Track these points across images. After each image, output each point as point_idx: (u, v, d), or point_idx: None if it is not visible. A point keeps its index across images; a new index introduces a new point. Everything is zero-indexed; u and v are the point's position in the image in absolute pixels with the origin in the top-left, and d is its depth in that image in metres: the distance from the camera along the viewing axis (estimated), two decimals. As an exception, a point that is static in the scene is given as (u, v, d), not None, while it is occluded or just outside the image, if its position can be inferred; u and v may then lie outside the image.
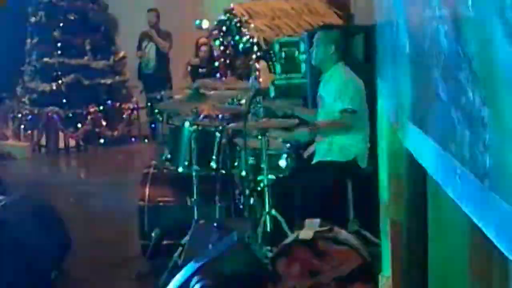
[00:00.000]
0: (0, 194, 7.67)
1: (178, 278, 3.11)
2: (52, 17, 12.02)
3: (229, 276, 2.98)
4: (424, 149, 2.44)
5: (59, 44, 11.91)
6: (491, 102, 1.60)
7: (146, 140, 12.23)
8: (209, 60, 11.74)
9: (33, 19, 12.18)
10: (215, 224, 4.00)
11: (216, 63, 11.51)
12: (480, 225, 1.71)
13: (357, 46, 5.93)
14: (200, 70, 11.60)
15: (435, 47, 2.19)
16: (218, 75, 11.22)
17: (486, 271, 1.89)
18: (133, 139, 12.41)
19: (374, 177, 5.15)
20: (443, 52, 2.09)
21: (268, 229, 4.90)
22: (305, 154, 5.50)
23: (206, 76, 10.77)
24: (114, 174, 9.89)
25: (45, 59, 11.94)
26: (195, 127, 5.35)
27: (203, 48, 11.73)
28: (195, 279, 2.97)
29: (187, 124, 5.45)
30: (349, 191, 5.26)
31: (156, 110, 11.22)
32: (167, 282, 4.18)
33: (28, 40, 12.28)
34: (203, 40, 11.82)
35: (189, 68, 11.77)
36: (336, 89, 5.15)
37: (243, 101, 6.96)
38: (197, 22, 11.71)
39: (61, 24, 11.95)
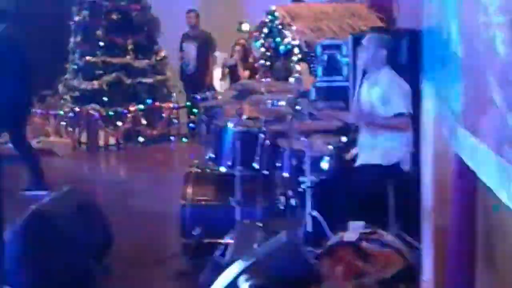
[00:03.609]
0: (44, 190, 7.82)
1: (226, 276, 3.14)
2: (96, 16, 12.15)
3: (278, 276, 3.01)
4: (476, 154, 2.44)
5: (101, 43, 12.03)
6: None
7: (185, 140, 12.32)
8: (244, 60, 11.79)
9: (76, 18, 12.33)
10: (260, 224, 4.04)
11: (257, 65, 11.56)
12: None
13: (402, 50, 5.92)
14: (237, 70, 11.65)
15: (491, 53, 2.20)
16: (257, 76, 11.27)
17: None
18: (172, 138, 12.51)
19: (417, 181, 5.15)
20: (499, 58, 2.09)
21: (309, 230, 4.93)
22: (348, 157, 5.51)
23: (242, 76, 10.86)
24: (154, 172, 9.98)
25: (88, 58, 12.06)
26: (238, 128, 5.40)
27: (237, 48, 11.78)
28: (243, 277, 3.00)
29: (230, 124, 5.50)
30: (390, 194, 5.26)
31: (196, 110, 11.36)
32: (209, 280, 4.21)
33: (72, 39, 12.42)
34: (240, 41, 11.89)
35: (226, 69, 11.83)
36: (384, 93, 5.14)
37: (282, 103, 6.98)
38: (237, 25, 11.81)
39: (104, 24, 12.08)
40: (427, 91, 4.65)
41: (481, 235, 2.70)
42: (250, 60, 11.88)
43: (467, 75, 2.68)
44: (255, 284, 2.95)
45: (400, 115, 5.04)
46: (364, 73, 5.50)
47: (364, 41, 5.36)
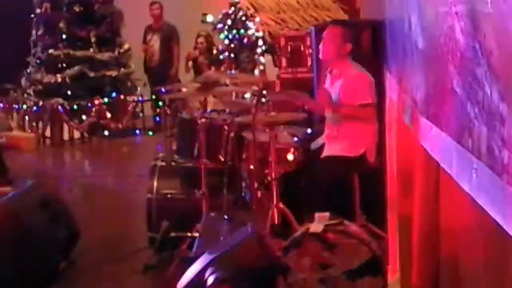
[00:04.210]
0: (7, 185, 7.74)
1: (192, 269, 3.14)
2: (58, 9, 12.05)
3: (244, 268, 3.01)
4: (438, 143, 2.47)
5: (64, 36, 11.93)
6: (509, 97, 1.62)
7: (150, 133, 12.28)
8: (207, 52, 11.75)
9: (38, 11, 12.21)
10: (225, 217, 4.03)
11: (221, 57, 11.53)
12: (497, 218, 1.74)
13: (365, 41, 5.94)
14: (202, 63, 11.62)
15: (451, 43, 2.22)
16: (222, 68, 11.25)
17: (501, 265, 1.92)
18: (137, 131, 12.46)
19: (382, 171, 5.19)
20: (459, 48, 2.11)
21: (276, 222, 4.93)
22: (313, 146, 5.52)
23: (206, 69, 10.83)
24: (119, 166, 9.92)
25: (50, 51, 11.96)
26: (203, 120, 5.38)
27: (200, 40, 11.75)
28: (209, 270, 2.99)
29: (195, 117, 5.48)
30: (356, 185, 5.29)
31: (161, 103, 11.33)
32: (177, 273, 4.21)
33: (33, 32, 12.30)
34: (203, 33, 11.86)
35: (190, 62, 11.79)
36: (348, 85, 5.15)
37: (247, 95, 6.98)
38: (201, 17, 11.76)
39: (66, 16, 11.98)
40: (390, 81, 4.69)
41: (444, 223, 2.72)
42: (214, 52, 11.84)
43: (428, 65, 2.70)
44: (221, 276, 2.95)
45: (365, 105, 5.06)
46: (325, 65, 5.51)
47: (325, 35, 5.33)
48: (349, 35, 5.27)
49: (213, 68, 11.33)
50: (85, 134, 11.93)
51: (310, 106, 5.59)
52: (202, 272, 3.03)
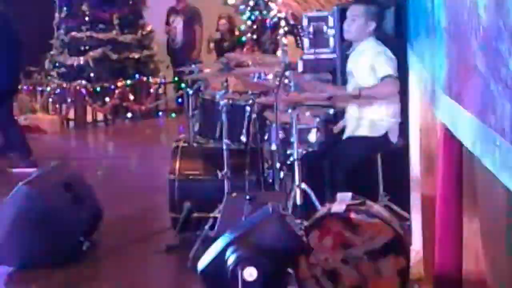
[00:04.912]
0: (32, 166, 7.81)
1: (213, 249, 3.14)
2: (80, -9, 12.09)
3: (265, 248, 3.00)
4: (460, 122, 2.44)
5: (87, 18, 11.96)
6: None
7: (173, 115, 12.31)
8: (229, 34, 11.76)
9: (61, -7, 12.25)
10: (247, 197, 4.03)
11: (243, 38, 11.52)
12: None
13: (387, 20, 5.88)
14: (225, 44, 11.63)
15: (474, 20, 2.19)
16: (245, 50, 11.25)
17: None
18: (160, 113, 12.49)
19: (405, 152, 5.17)
20: (482, 24, 2.09)
21: (298, 203, 4.92)
22: (335, 130, 5.50)
23: (229, 50, 10.80)
24: (142, 147, 9.96)
25: (73, 33, 12.00)
26: (225, 101, 5.37)
27: (222, 21, 11.75)
28: (230, 249, 3.00)
29: (217, 98, 5.48)
30: (379, 165, 5.27)
31: (184, 85, 11.36)
32: (199, 254, 4.22)
33: (57, 14, 12.34)
34: (226, 14, 11.86)
35: (212, 43, 11.80)
36: (370, 61, 5.10)
37: (269, 76, 6.95)
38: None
39: (89, -2, 12.01)
40: (413, 61, 4.64)
41: (467, 202, 2.70)
42: (236, 33, 11.84)
43: (451, 43, 2.67)
44: (242, 256, 2.95)
45: (387, 77, 4.99)
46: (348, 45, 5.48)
47: (348, 13, 5.29)
48: (373, 13, 5.23)
49: (236, 50, 11.34)
50: (108, 116, 11.99)
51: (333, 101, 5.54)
52: (223, 251, 3.03)
